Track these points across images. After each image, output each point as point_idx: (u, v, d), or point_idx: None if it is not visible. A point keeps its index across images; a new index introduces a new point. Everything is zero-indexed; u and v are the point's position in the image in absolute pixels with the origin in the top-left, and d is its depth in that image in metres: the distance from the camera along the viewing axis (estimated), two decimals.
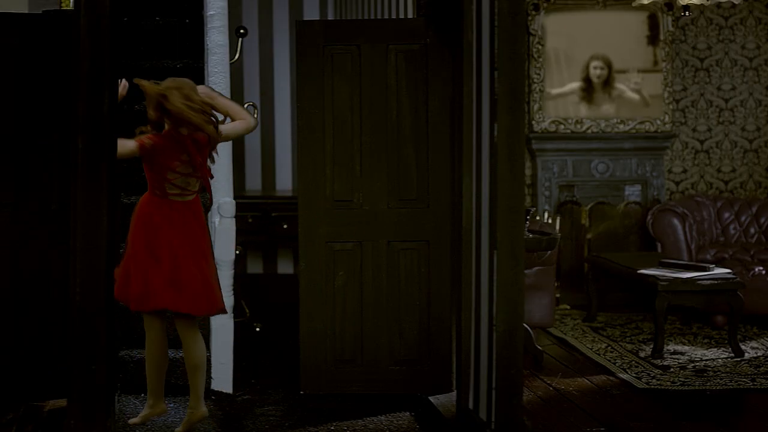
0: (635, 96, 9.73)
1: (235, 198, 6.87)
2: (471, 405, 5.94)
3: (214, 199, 6.81)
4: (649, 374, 7.18)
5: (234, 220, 6.67)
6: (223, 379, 6.82)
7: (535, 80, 9.53)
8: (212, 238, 6.72)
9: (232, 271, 6.75)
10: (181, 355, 6.78)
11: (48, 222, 6.37)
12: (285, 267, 9.99)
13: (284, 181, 9.97)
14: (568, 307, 9.31)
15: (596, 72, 9.65)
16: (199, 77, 7.74)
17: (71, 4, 7.40)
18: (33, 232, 6.36)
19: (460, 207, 6.73)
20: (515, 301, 5.53)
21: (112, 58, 5.51)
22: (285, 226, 9.15)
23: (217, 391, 6.80)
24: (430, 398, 6.59)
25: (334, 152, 6.62)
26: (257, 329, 8.58)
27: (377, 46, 6.59)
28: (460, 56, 6.72)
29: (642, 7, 9.25)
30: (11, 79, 6.31)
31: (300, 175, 6.63)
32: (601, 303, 9.09)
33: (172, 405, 6.43)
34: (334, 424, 6.27)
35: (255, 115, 7.70)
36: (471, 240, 5.91)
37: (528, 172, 9.61)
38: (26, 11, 9.29)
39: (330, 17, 9.57)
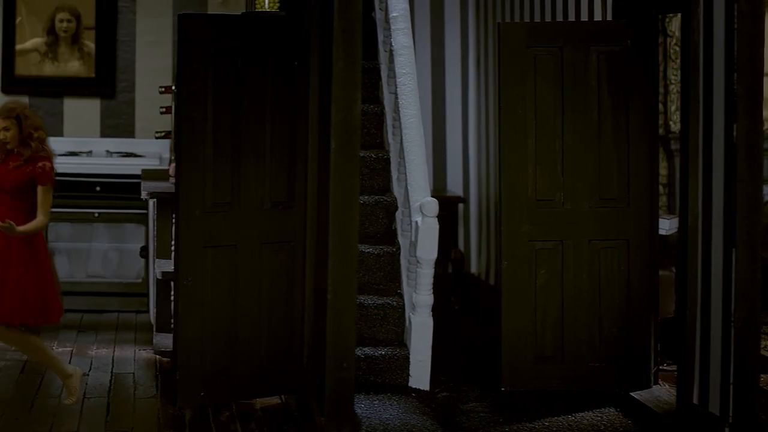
0: None
1: None
2: (696, 400, 6.03)
3: (413, 199, 6.89)
4: None
5: (436, 219, 6.74)
6: (420, 377, 6.90)
7: (673, 81, 9.62)
8: (415, 237, 6.80)
9: (433, 270, 6.83)
10: (379, 353, 6.89)
11: (260, 220, 6.45)
12: None
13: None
14: None
15: None
16: (375, 78, 7.86)
17: (265, 6, 7.48)
18: (248, 230, 6.44)
19: (658, 206, 6.84)
20: (753, 297, 5.64)
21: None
22: None
23: (415, 388, 6.88)
24: (632, 394, 6.67)
25: (537, 152, 6.71)
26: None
27: (579, 48, 6.67)
28: (657, 58, 6.84)
29: None
30: (230, 83, 6.35)
31: (503, 174, 6.71)
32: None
33: (363, 404, 6.50)
34: (547, 419, 6.35)
35: None
36: (698, 239, 6.00)
37: (663, 171, 9.68)
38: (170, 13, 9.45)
39: (470, 18, 9.65)
